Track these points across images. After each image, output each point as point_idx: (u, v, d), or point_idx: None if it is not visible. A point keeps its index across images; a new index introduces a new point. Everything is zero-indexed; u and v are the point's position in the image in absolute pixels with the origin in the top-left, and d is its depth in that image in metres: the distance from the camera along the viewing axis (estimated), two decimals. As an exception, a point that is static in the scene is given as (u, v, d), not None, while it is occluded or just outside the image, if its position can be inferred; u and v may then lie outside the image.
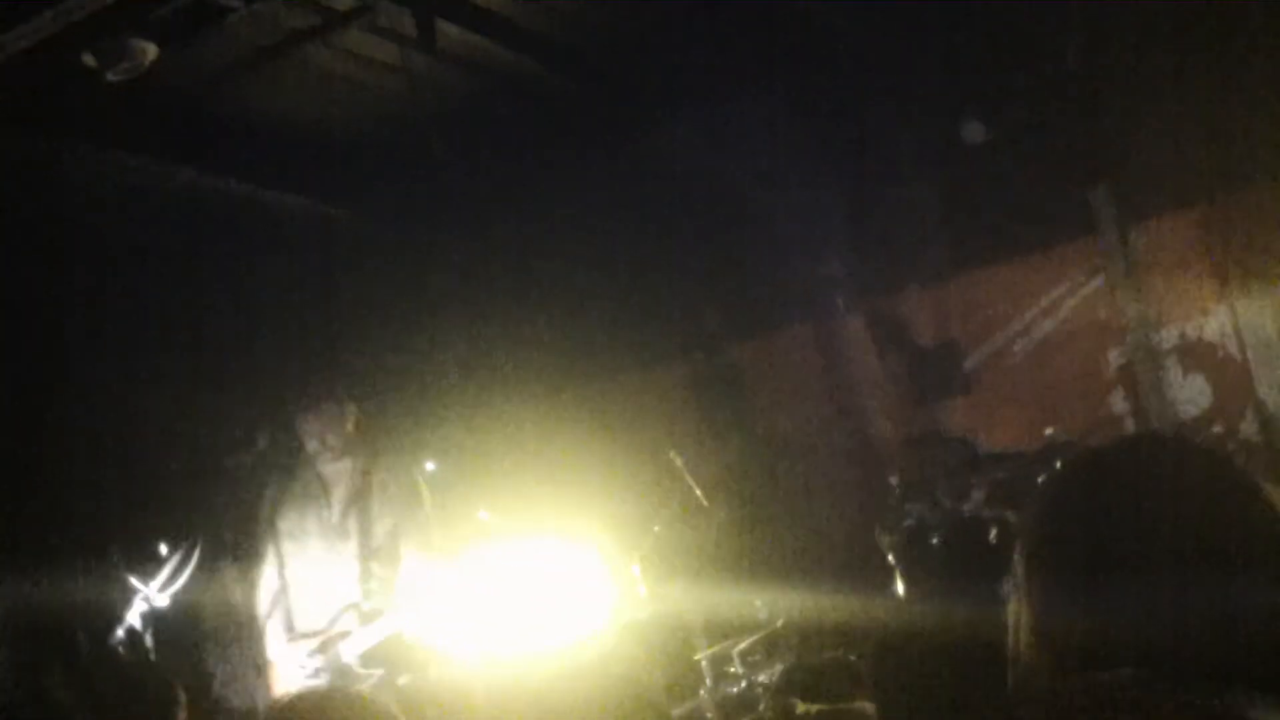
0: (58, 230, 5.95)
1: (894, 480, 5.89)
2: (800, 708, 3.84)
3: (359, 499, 4.87)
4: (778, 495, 6.94)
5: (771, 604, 5.50)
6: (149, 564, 4.77)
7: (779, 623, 5.45)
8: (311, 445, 4.86)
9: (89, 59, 4.86)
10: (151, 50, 4.89)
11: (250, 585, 4.90)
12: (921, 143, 6.74)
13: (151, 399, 6.22)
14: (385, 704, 2.43)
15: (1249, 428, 6.17)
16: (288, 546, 4.85)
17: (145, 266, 6.25)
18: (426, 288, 7.17)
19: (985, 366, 6.89)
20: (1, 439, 5.65)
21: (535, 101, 6.60)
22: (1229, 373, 6.27)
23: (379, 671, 4.63)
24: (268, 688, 4.81)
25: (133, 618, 4.43)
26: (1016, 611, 1.34)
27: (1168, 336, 6.43)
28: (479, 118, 6.54)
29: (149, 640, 4.42)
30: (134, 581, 4.54)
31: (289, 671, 4.72)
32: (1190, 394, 6.38)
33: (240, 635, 5.12)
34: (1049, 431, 5.71)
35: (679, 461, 5.89)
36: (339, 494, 4.88)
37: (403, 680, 4.65)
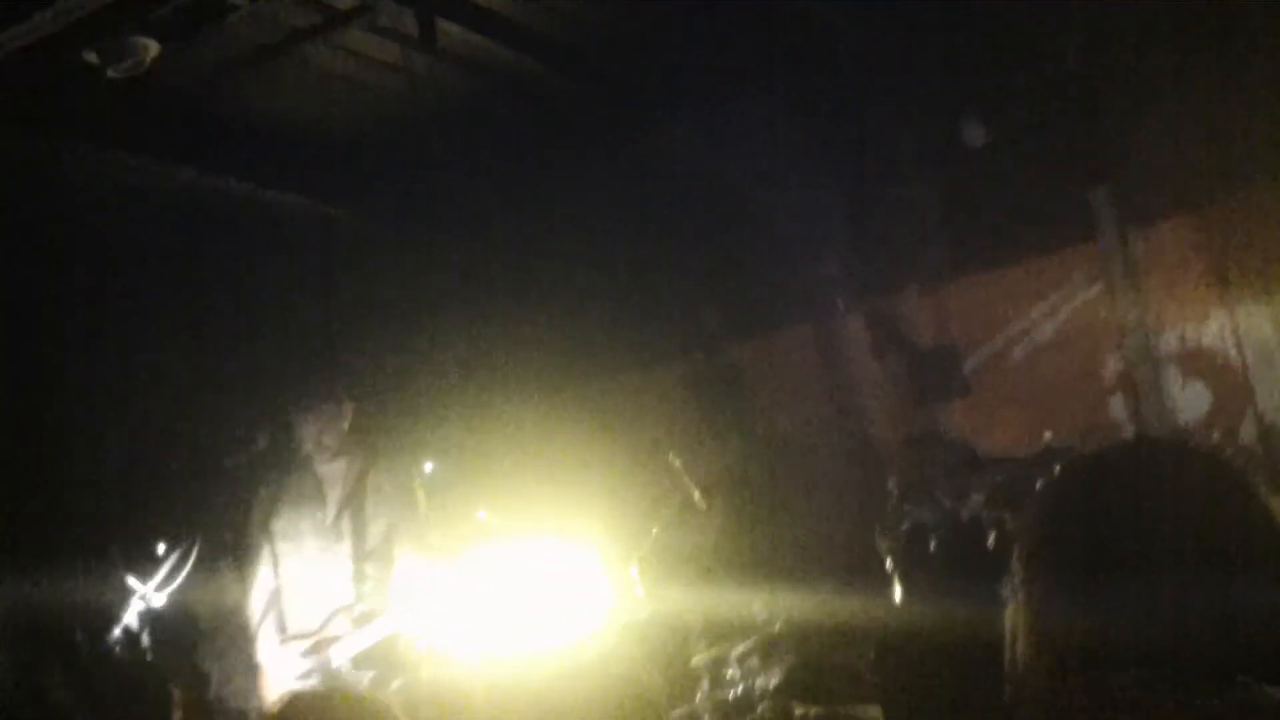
0: (58, 230, 5.96)
1: (892, 482, 5.88)
2: (799, 710, 3.83)
3: (354, 500, 4.86)
4: (777, 495, 6.94)
5: (770, 605, 5.49)
6: (147, 564, 4.76)
7: (777, 624, 5.44)
8: (308, 446, 4.84)
9: (91, 57, 4.86)
10: (153, 48, 4.89)
11: (246, 585, 4.89)
12: (921, 143, 6.73)
13: (151, 399, 6.22)
14: (386, 703, 2.43)
15: (1248, 433, 6.16)
16: (282, 547, 4.83)
17: (145, 266, 6.25)
18: (426, 288, 7.16)
19: (984, 369, 6.88)
20: (1, 439, 5.65)
21: (535, 101, 6.60)
22: (1228, 378, 6.25)
23: (371, 674, 4.61)
24: (262, 688, 4.80)
25: (130, 617, 4.43)
26: (1015, 612, 1.34)
27: (1167, 341, 6.41)
28: (479, 117, 6.53)
29: (146, 640, 4.41)
30: (132, 581, 4.53)
31: (281, 672, 4.71)
32: (1189, 399, 6.36)
33: (236, 636, 5.11)
34: (1048, 435, 5.70)
35: (678, 463, 5.89)
36: (334, 495, 4.87)
37: (397, 683, 4.63)
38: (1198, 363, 6.34)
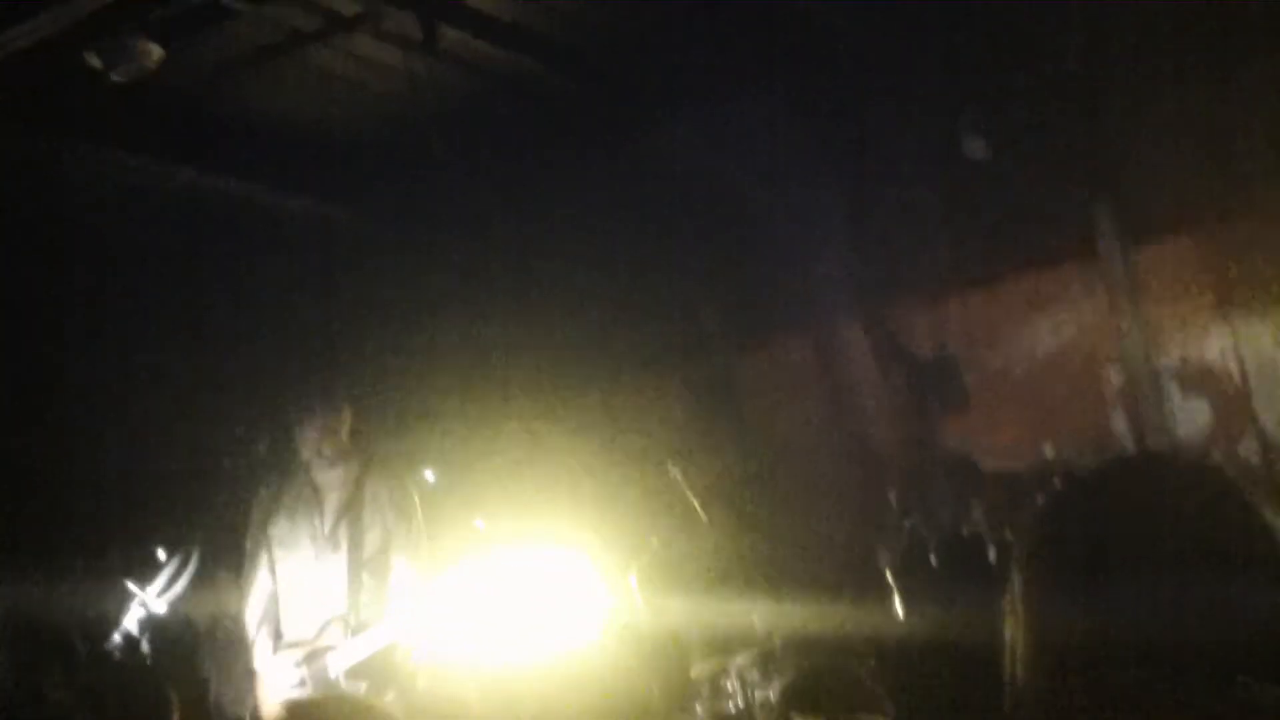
0: (58, 230, 5.96)
1: (893, 495, 5.88)
2: (797, 721, 3.82)
3: (351, 508, 4.81)
4: (776, 504, 6.92)
5: (769, 616, 5.47)
6: (147, 566, 4.75)
7: (776, 635, 5.42)
8: (306, 453, 4.80)
9: (94, 60, 4.85)
10: (156, 51, 4.88)
11: (244, 592, 4.85)
12: (921, 143, 6.73)
13: (151, 399, 6.22)
14: (386, 710, 2.42)
15: (1248, 448, 6.13)
16: (279, 554, 4.79)
17: (145, 266, 6.25)
18: (426, 288, 7.16)
19: (986, 382, 6.85)
20: (1, 439, 5.65)
21: (535, 101, 6.60)
22: (1229, 394, 6.22)
23: (366, 684, 4.58)
24: (258, 695, 4.76)
25: (130, 622, 4.41)
26: (1014, 612, 1.34)
27: (1168, 357, 6.39)
28: (479, 118, 6.54)
29: (145, 645, 4.40)
30: (132, 586, 4.52)
31: (275, 681, 4.68)
32: (1190, 413, 6.34)
33: (234, 642, 5.08)
34: (1048, 448, 5.70)
35: (678, 473, 5.85)
36: (332, 503, 4.82)
37: (390, 694, 4.61)
38: (1199, 379, 6.31)
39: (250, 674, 4.79)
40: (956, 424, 6.83)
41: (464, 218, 7.28)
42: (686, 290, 7.26)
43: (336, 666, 4.61)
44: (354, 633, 4.64)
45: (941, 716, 2.06)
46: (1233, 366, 6.18)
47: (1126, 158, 6.37)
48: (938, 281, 6.86)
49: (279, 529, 4.81)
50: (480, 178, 6.83)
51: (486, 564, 4.75)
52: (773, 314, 7.29)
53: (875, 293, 7.05)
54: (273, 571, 4.79)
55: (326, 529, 4.78)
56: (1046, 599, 1.31)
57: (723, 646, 5.38)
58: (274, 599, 4.78)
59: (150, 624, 4.44)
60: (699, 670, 5.24)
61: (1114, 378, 6.52)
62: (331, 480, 4.82)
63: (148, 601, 4.46)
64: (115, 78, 4.88)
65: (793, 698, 3.28)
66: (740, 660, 5.36)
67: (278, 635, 4.74)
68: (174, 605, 4.56)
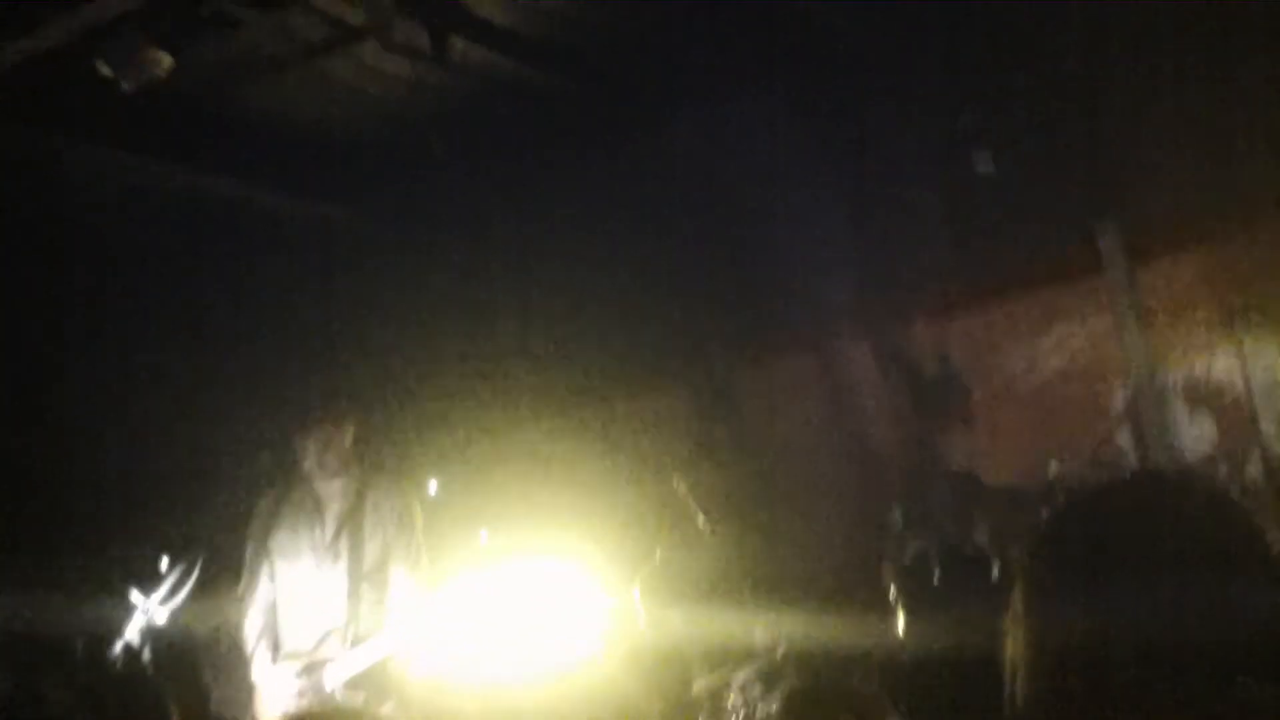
0: (58, 230, 5.96)
1: (897, 512, 5.86)
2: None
3: (352, 519, 4.79)
4: (778, 512, 6.90)
5: (772, 630, 5.45)
6: (148, 570, 4.74)
7: (779, 650, 5.41)
8: (307, 463, 4.79)
9: (104, 68, 4.85)
10: (166, 60, 4.89)
11: (244, 601, 4.84)
12: (921, 143, 6.72)
13: (151, 399, 6.22)
14: None
15: (1254, 468, 6.10)
16: (279, 565, 4.78)
17: (145, 266, 6.25)
18: (426, 288, 7.16)
19: (991, 399, 6.83)
20: (1, 439, 5.65)
21: (535, 102, 6.60)
22: (1235, 413, 6.20)
23: (363, 696, 4.57)
24: (258, 707, 4.75)
25: (131, 632, 4.40)
26: (1014, 613, 1.34)
27: (1174, 375, 6.37)
28: (479, 118, 6.54)
29: (146, 654, 4.39)
30: (135, 594, 4.50)
31: (274, 692, 4.66)
32: (1196, 433, 6.32)
33: (234, 651, 5.06)
34: (1054, 465, 5.68)
35: (683, 486, 5.83)
36: (333, 513, 4.80)
37: (389, 706, 4.59)
38: (1205, 397, 6.29)
39: (249, 685, 4.76)
40: (960, 438, 6.82)
41: (464, 218, 7.28)
42: (687, 292, 7.25)
43: (335, 678, 4.59)
44: (353, 644, 4.63)
45: (943, 713, 2.06)
46: (1239, 385, 6.15)
47: (1128, 166, 6.35)
48: (939, 283, 6.84)
49: (280, 539, 4.78)
50: (480, 178, 6.84)
51: (488, 576, 4.74)
52: (774, 317, 7.26)
53: (876, 294, 7.02)
54: (273, 582, 4.78)
55: (327, 540, 4.76)
56: (1046, 599, 1.31)
57: (725, 660, 5.36)
58: (274, 609, 4.76)
59: (151, 633, 4.43)
60: (701, 685, 5.22)
61: (1121, 396, 6.49)
62: (333, 491, 4.79)
63: (149, 610, 4.45)
64: (125, 86, 4.88)
65: (795, 710, 3.27)
66: (743, 675, 5.34)
67: (277, 646, 4.72)
68: (175, 614, 4.54)
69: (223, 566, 4.99)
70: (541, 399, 7.25)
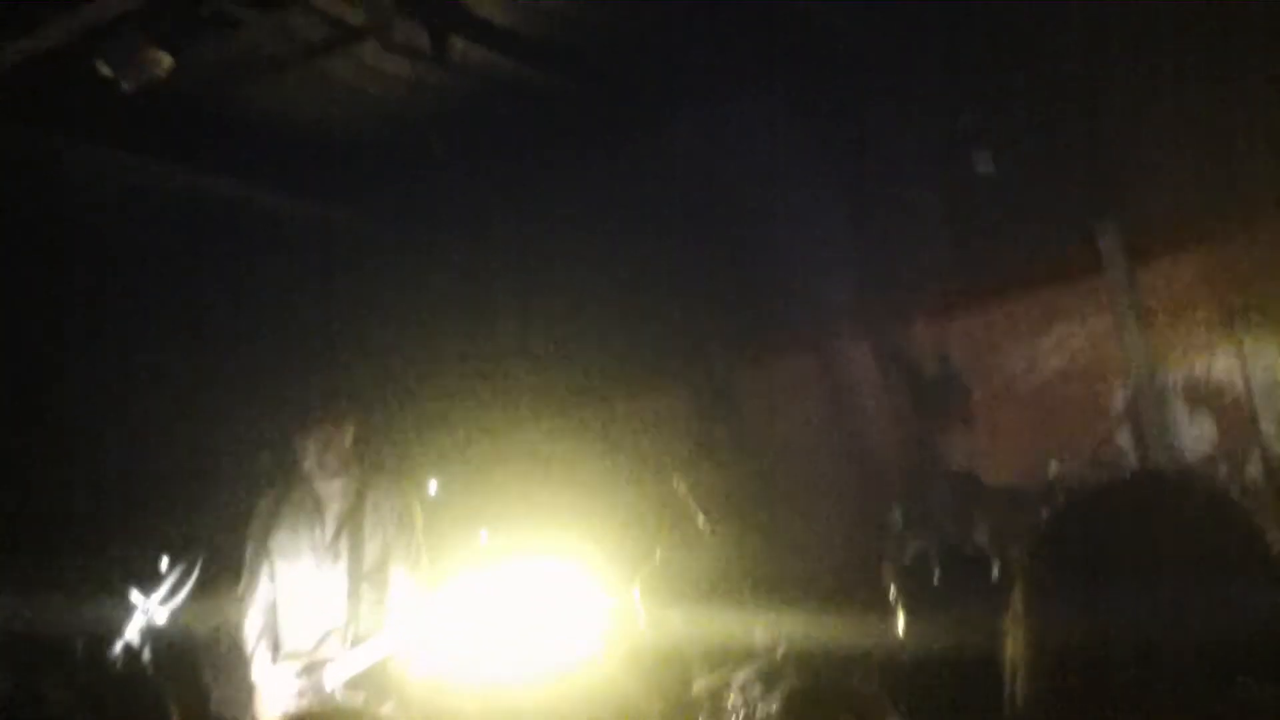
0: (58, 230, 5.96)
1: (897, 512, 5.86)
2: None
3: (352, 519, 4.79)
4: (777, 512, 6.90)
5: (772, 630, 5.45)
6: (148, 569, 4.74)
7: (779, 650, 5.41)
8: (308, 463, 4.78)
9: (104, 68, 4.86)
10: (166, 60, 4.90)
11: (244, 601, 4.83)
12: (921, 143, 6.72)
13: (151, 399, 6.22)
14: None
15: (1254, 468, 6.10)
16: (279, 565, 4.77)
17: (145, 266, 6.26)
18: (426, 288, 7.16)
19: (991, 399, 6.82)
20: (1, 439, 5.66)
21: (535, 102, 6.60)
22: (1235, 413, 6.19)
23: (363, 696, 4.56)
24: (257, 707, 4.74)
25: (131, 632, 4.40)
26: (1014, 613, 1.34)
27: (1174, 375, 6.36)
28: (479, 118, 6.54)
29: (146, 655, 4.39)
30: (135, 594, 4.50)
31: (274, 692, 4.66)
32: (1196, 433, 6.31)
33: (234, 651, 5.06)
34: (1054, 465, 5.68)
35: (683, 486, 5.82)
36: (333, 513, 4.80)
37: (389, 706, 4.59)
38: (1205, 398, 6.28)
39: (249, 685, 4.76)
40: (960, 438, 6.81)
41: (464, 218, 7.28)
42: (687, 292, 7.24)
43: (335, 678, 4.59)
44: (353, 644, 4.62)
45: (943, 713, 2.06)
46: (1238, 382, 6.15)
47: (1128, 166, 6.35)
48: (939, 283, 6.84)
49: (280, 539, 4.78)
50: (480, 178, 6.84)
51: (488, 576, 4.74)
52: (774, 317, 7.26)
53: (876, 294, 7.02)
54: (273, 582, 4.78)
55: (327, 540, 4.75)
56: (1046, 599, 1.31)
57: (725, 660, 5.36)
58: (274, 609, 4.76)
59: (151, 633, 4.43)
60: (701, 685, 5.21)
61: (1121, 396, 6.49)
62: (333, 491, 4.79)
63: (149, 610, 4.45)
64: (125, 86, 4.88)
65: (795, 710, 3.27)
66: (743, 675, 5.34)
67: (277, 646, 4.72)
68: (175, 614, 4.54)
69: (223, 566, 4.98)
70: (541, 399, 7.24)
